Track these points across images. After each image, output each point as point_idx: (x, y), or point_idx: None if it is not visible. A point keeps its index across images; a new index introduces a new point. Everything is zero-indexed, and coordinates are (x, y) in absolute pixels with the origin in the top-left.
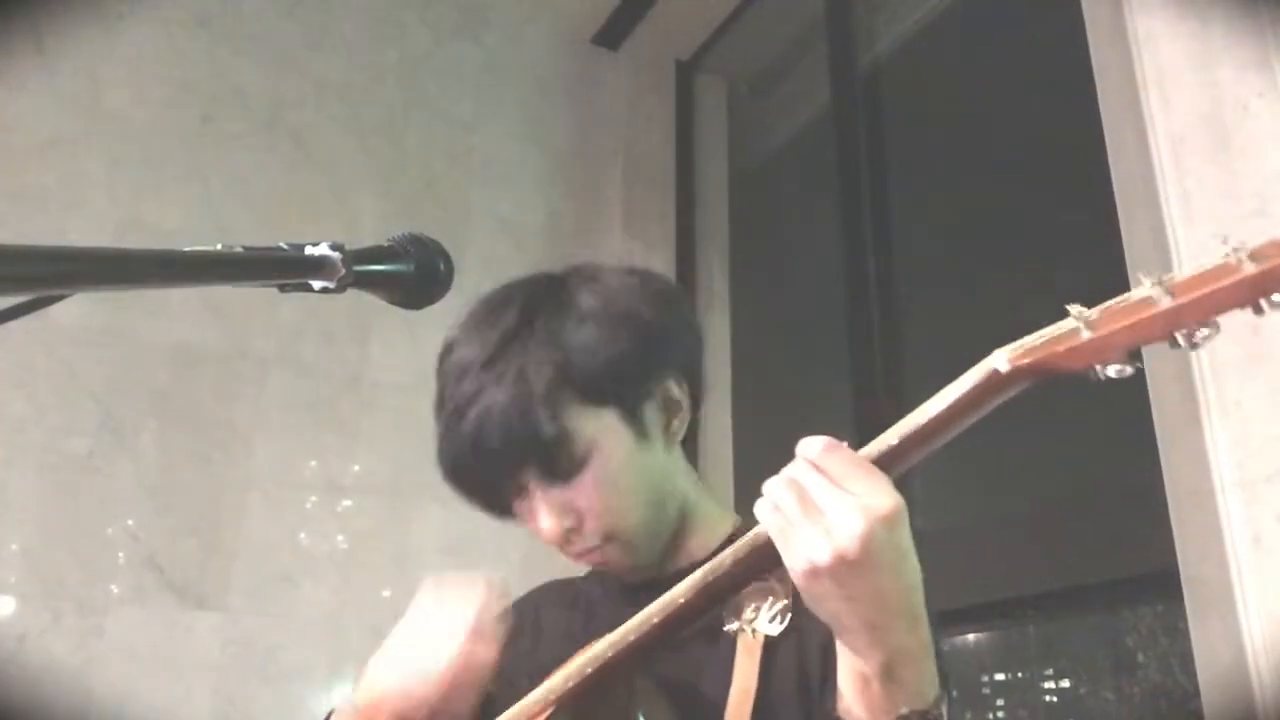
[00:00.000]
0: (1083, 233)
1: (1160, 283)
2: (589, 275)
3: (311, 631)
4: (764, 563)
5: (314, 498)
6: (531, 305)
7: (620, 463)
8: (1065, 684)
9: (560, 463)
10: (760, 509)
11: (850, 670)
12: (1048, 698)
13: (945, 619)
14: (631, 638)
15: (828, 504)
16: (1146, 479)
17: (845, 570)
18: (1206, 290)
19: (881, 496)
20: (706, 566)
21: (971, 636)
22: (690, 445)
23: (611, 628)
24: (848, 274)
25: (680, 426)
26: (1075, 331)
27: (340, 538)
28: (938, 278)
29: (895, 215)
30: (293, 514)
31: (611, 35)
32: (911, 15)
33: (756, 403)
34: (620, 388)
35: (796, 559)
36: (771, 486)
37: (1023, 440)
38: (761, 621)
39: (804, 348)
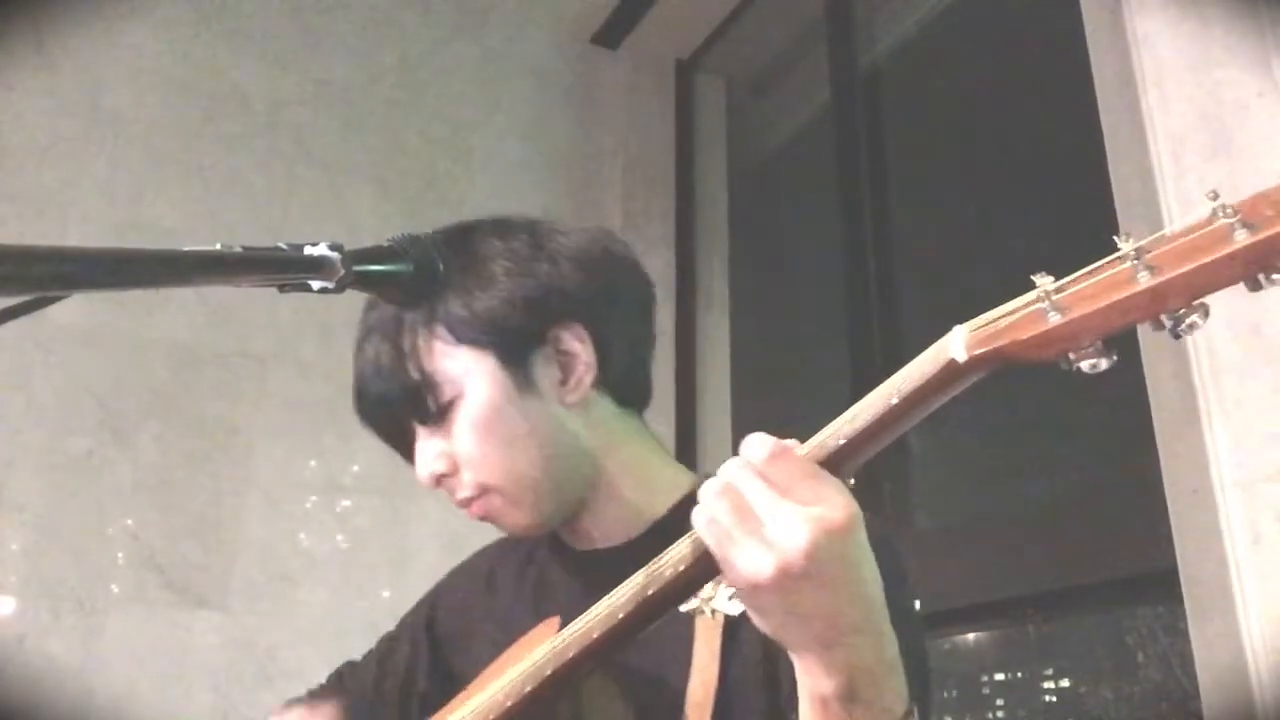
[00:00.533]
0: (1082, 232)
1: (1138, 254)
2: (503, 226)
3: (311, 631)
4: (707, 572)
5: (314, 498)
6: None
7: (492, 409)
8: (1065, 684)
9: (426, 405)
10: (697, 518)
11: (807, 691)
12: (1048, 698)
13: (945, 619)
14: (571, 653)
15: (768, 513)
16: (1146, 479)
17: (790, 585)
18: (1194, 265)
19: (830, 505)
20: (645, 573)
21: (971, 636)
22: (689, 445)
23: (563, 592)
24: (848, 274)
25: (580, 382)
26: (1041, 314)
27: (340, 538)
28: (938, 278)
29: (895, 215)
30: (293, 514)
31: (611, 35)
32: (911, 15)
33: (756, 402)
34: (495, 333)
35: (737, 574)
36: (707, 494)
37: (1023, 439)
38: (720, 600)
39: (804, 348)
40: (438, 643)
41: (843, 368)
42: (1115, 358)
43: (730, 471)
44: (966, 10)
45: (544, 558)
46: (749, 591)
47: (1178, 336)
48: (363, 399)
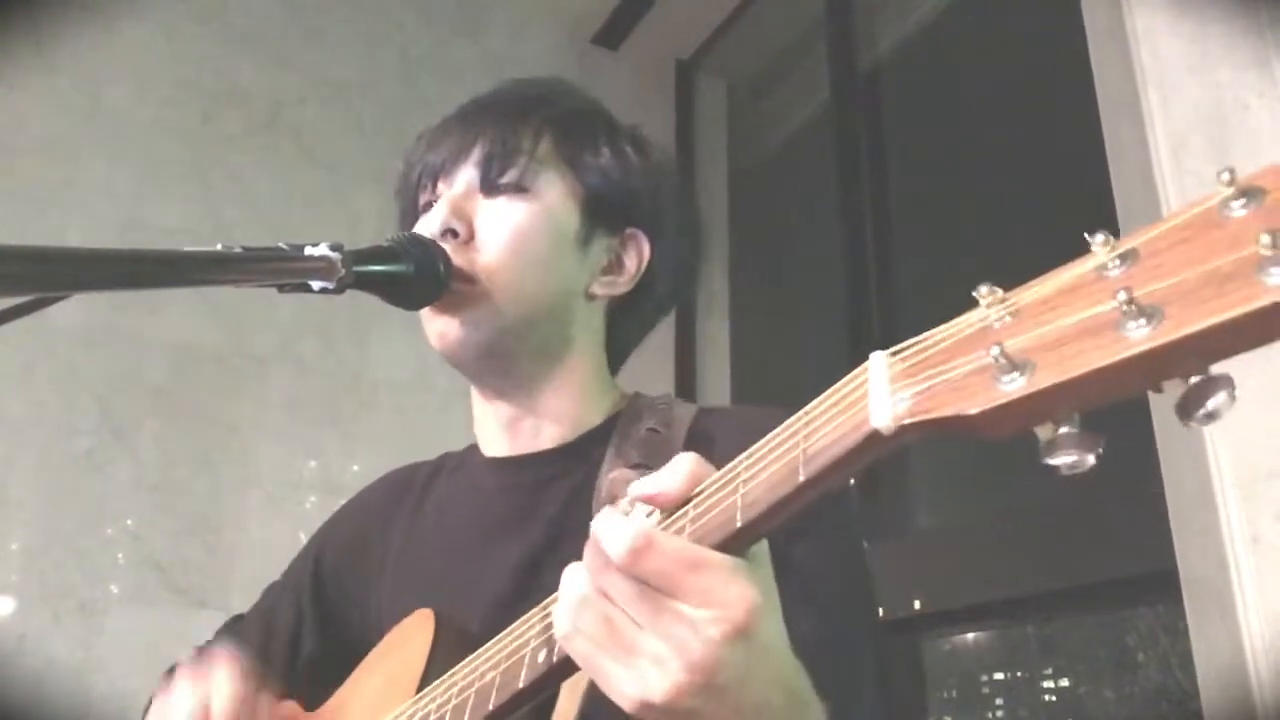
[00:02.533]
0: (1083, 233)
1: (1132, 301)
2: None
3: None
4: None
5: (314, 497)
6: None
7: (546, 225)
8: (1065, 683)
9: (506, 171)
10: (560, 624)
11: None
12: (1048, 697)
13: (945, 619)
14: None
15: (652, 626)
16: (1146, 479)
17: (687, 702)
18: (1214, 322)
19: (725, 603)
20: (498, 665)
21: (971, 636)
22: None
23: (470, 514)
24: (848, 274)
25: (607, 292)
26: (989, 375)
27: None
28: (938, 277)
29: (895, 215)
30: (293, 514)
31: (611, 35)
32: (911, 15)
33: (756, 402)
34: (602, 187)
35: (622, 695)
36: (567, 600)
37: (1022, 439)
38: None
39: (804, 347)
40: (325, 594)
41: (843, 368)
42: (1101, 450)
43: (593, 576)
44: (966, 10)
45: (448, 486)
46: (640, 710)
47: (1190, 420)
48: (442, 133)
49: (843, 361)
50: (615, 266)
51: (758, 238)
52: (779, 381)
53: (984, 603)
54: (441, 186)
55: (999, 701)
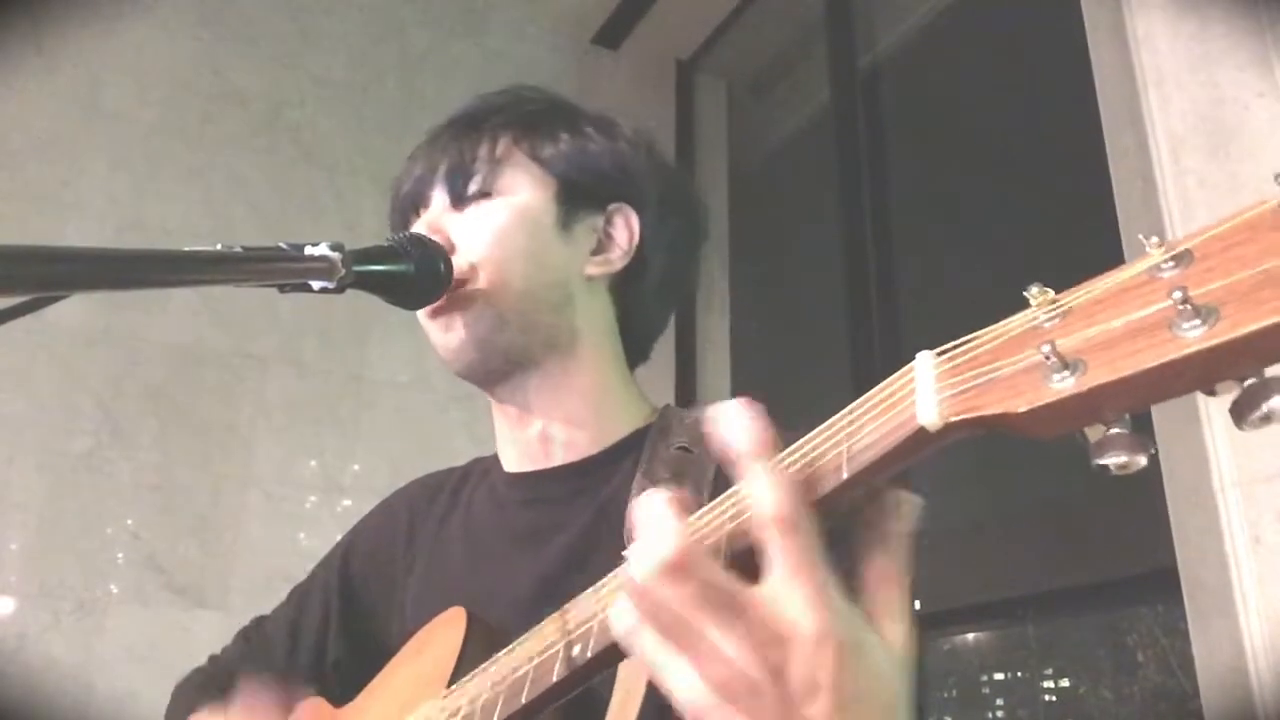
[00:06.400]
0: (1083, 232)
1: (1187, 300)
2: (598, 113)
3: None
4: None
5: (314, 498)
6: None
7: (522, 218)
8: (1065, 683)
9: (470, 180)
10: (619, 620)
11: None
12: (1048, 697)
13: (945, 619)
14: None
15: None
16: (1146, 479)
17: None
18: (1272, 322)
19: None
20: (568, 641)
21: (971, 636)
22: None
23: (493, 526)
24: (848, 274)
25: (602, 270)
26: (1038, 374)
27: (340, 537)
28: (937, 277)
29: (895, 215)
30: (293, 514)
31: (612, 35)
32: (911, 15)
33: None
34: (570, 172)
35: (685, 691)
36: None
37: (1023, 439)
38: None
39: (804, 347)
40: (353, 597)
41: (843, 367)
42: (1153, 451)
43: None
44: (966, 10)
45: (473, 495)
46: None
47: (1245, 424)
48: (413, 160)
49: (843, 360)
50: (605, 244)
51: (758, 237)
52: (779, 380)
53: (984, 602)
54: (422, 212)
55: (999, 702)
